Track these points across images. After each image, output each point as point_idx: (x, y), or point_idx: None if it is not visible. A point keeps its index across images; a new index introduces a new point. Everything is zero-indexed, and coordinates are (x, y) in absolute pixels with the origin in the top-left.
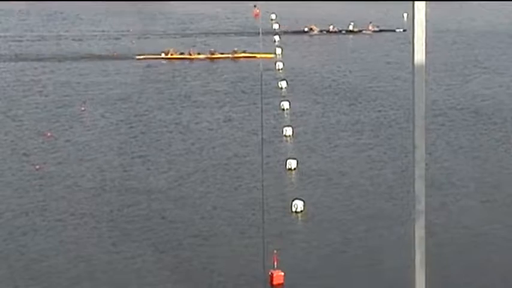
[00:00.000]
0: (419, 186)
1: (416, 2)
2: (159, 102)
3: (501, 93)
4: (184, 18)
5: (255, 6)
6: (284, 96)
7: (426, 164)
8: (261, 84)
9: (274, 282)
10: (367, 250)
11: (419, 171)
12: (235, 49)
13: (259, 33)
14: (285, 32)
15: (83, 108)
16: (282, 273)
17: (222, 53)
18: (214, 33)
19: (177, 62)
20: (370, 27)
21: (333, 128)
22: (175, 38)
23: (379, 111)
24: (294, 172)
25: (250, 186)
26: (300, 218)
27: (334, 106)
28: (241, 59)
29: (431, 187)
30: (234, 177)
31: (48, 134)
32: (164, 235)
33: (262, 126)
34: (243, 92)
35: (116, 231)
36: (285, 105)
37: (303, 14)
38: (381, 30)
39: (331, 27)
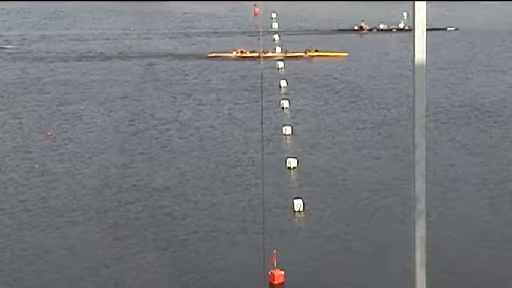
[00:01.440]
0: (420, 186)
1: (416, 2)
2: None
3: (504, 91)
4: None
5: (255, 5)
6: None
7: (429, 162)
8: (261, 83)
9: (275, 282)
10: (367, 249)
11: (420, 170)
12: (309, 48)
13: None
14: (333, 31)
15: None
16: (282, 273)
17: (294, 52)
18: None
19: (249, 60)
20: (403, 26)
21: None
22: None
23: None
24: (294, 171)
25: (251, 185)
26: (300, 217)
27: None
28: (314, 58)
29: (434, 185)
30: (234, 177)
31: (49, 134)
32: (164, 233)
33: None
34: (317, 87)
35: (116, 228)
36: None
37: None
38: (432, 29)
39: (381, 26)
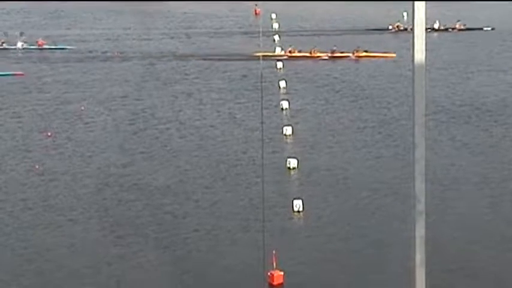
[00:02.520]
0: (419, 186)
1: (416, 2)
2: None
3: (505, 91)
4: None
5: (256, 5)
6: None
7: (429, 161)
8: (261, 83)
9: (274, 282)
10: (367, 249)
11: (419, 170)
12: (357, 48)
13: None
14: (367, 31)
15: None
16: (282, 273)
17: (342, 52)
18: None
19: (298, 60)
20: (457, 26)
21: None
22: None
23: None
24: (294, 171)
25: (251, 185)
26: (300, 218)
27: None
28: (363, 58)
29: (435, 184)
30: (234, 177)
31: (49, 134)
32: (164, 233)
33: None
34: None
35: (117, 227)
36: None
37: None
38: (467, 29)
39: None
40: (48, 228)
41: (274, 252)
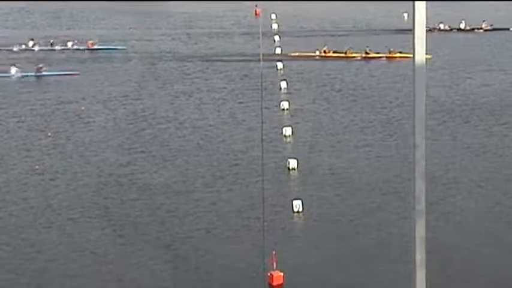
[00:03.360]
0: (419, 186)
1: (416, 2)
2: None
3: (507, 90)
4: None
5: (256, 5)
6: None
7: (431, 160)
8: (261, 84)
9: (274, 283)
10: (368, 250)
11: (420, 170)
12: (391, 49)
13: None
14: (391, 31)
15: None
16: (282, 274)
17: (377, 53)
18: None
19: (332, 60)
20: (484, 26)
21: None
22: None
23: None
24: (294, 172)
25: (250, 185)
26: (300, 218)
27: None
28: (397, 59)
29: (437, 184)
30: (234, 177)
31: (49, 134)
32: (164, 234)
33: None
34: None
35: (116, 226)
36: None
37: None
38: (494, 29)
39: (441, 26)
40: (49, 227)
41: (274, 252)
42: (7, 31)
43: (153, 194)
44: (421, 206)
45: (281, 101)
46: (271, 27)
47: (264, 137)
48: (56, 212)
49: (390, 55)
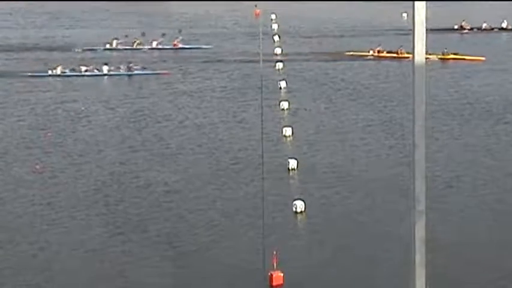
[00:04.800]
0: (419, 186)
1: (416, 2)
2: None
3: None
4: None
5: (255, 6)
6: None
7: (431, 160)
8: (261, 84)
9: (274, 283)
10: (368, 251)
11: (419, 171)
12: (446, 50)
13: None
14: (432, 30)
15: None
16: (282, 274)
17: (431, 53)
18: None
19: (385, 60)
20: None
21: None
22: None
23: None
24: (294, 172)
25: (251, 186)
26: (300, 219)
27: None
28: (449, 61)
29: (441, 184)
30: (234, 178)
31: (49, 134)
32: (164, 233)
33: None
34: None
35: (116, 225)
36: None
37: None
38: None
39: (484, 25)
40: (50, 226)
41: (274, 253)
42: (93, 31)
43: (154, 194)
44: (421, 206)
45: (281, 100)
46: (271, 27)
47: (265, 136)
48: (57, 211)
49: (443, 56)
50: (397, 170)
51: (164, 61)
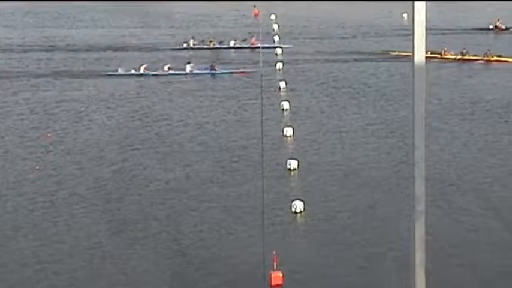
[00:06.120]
0: (419, 187)
1: (416, 2)
2: None
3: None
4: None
5: (254, 6)
6: None
7: (431, 159)
8: (261, 85)
9: (273, 283)
10: (368, 251)
11: (419, 171)
12: (488, 51)
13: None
14: (466, 30)
15: None
16: (281, 274)
17: (475, 55)
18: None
19: (429, 60)
20: None
21: None
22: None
23: None
24: (294, 172)
25: (251, 186)
26: (300, 219)
27: None
28: (493, 63)
29: (444, 184)
30: (234, 178)
31: (49, 135)
32: (165, 233)
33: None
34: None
35: (114, 223)
36: None
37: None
38: None
39: (498, 23)
40: (50, 224)
41: (274, 253)
42: (171, 30)
43: (154, 194)
44: (421, 206)
45: (281, 100)
46: (272, 28)
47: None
48: (58, 210)
49: (488, 58)
50: (399, 169)
51: (245, 60)
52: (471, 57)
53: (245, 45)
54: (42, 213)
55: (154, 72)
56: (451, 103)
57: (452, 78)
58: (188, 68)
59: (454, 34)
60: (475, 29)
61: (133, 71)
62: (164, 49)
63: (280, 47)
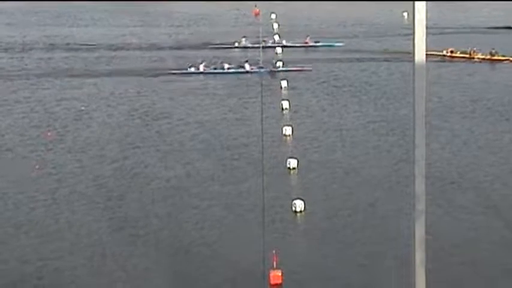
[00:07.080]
0: (419, 186)
1: (416, 2)
2: None
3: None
4: None
5: (255, 5)
6: None
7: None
8: (261, 85)
9: (273, 282)
10: (368, 250)
11: (420, 169)
12: (495, 50)
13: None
14: (484, 29)
15: None
16: (281, 273)
17: (503, 56)
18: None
19: (458, 60)
20: None
21: None
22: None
23: None
24: (294, 171)
25: (251, 185)
26: (300, 218)
27: None
28: (499, 61)
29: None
30: (234, 177)
31: (49, 134)
32: (164, 233)
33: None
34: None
35: (114, 221)
36: None
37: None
38: None
39: None
40: (52, 222)
41: (274, 252)
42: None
43: (154, 194)
44: (421, 205)
45: (282, 100)
46: (272, 27)
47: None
48: (58, 210)
49: (495, 58)
50: (399, 169)
51: (300, 58)
52: (500, 58)
53: (298, 44)
54: (43, 210)
55: (214, 71)
56: (492, 103)
57: (481, 77)
58: (247, 66)
59: (473, 34)
60: (493, 28)
61: (192, 69)
62: (218, 48)
63: (334, 45)
